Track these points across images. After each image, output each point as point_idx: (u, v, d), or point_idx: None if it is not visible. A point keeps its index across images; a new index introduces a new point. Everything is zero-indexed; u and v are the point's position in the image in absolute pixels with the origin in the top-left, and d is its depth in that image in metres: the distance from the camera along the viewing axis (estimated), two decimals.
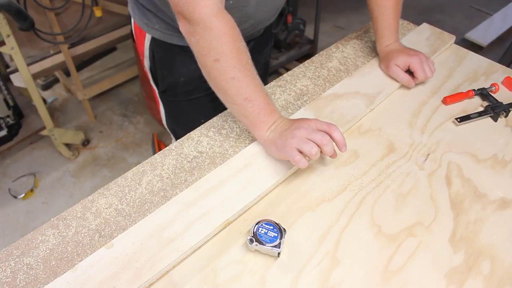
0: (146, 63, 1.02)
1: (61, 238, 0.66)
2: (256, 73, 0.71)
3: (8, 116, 1.80)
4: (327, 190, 0.73)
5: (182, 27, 0.70)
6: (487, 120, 0.88)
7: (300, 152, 0.67)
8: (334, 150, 0.69)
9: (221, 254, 0.64)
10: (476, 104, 0.92)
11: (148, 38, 0.96)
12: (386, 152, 0.80)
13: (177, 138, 1.15)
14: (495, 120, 0.88)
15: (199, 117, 1.01)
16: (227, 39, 0.67)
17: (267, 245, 0.62)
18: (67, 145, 2.07)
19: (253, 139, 0.81)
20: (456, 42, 1.09)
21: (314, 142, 0.67)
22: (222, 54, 0.67)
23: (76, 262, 0.63)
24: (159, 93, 1.06)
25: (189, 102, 1.03)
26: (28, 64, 1.86)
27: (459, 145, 0.82)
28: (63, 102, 2.39)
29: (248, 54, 0.71)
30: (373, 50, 1.06)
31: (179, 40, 0.92)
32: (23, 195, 1.89)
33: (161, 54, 0.97)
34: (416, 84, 0.94)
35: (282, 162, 0.75)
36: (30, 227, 1.77)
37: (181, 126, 1.11)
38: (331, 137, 0.69)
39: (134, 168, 0.77)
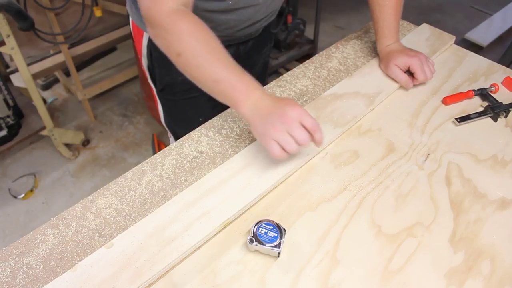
0: (144, 62, 1.02)
1: (61, 238, 0.66)
2: (225, 55, 0.70)
3: (8, 116, 1.80)
4: (327, 190, 0.73)
5: (149, 32, 0.73)
6: (487, 120, 0.88)
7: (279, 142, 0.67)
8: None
9: (221, 254, 0.64)
10: (476, 104, 0.92)
11: (145, 37, 0.96)
12: (386, 152, 0.80)
13: (175, 136, 1.15)
14: (495, 120, 0.88)
15: (197, 116, 1.01)
16: (184, 34, 0.69)
17: (267, 245, 0.62)
18: (67, 145, 2.07)
19: (253, 139, 0.81)
20: (456, 42, 1.09)
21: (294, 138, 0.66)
22: (181, 48, 0.69)
23: (76, 262, 0.63)
24: (157, 91, 1.06)
25: (187, 100, 1.04)
26: (28, 64, 1.86)
27: (459, 145, 0.82)
28: (63, 102, 2.39)
29: (214, 39, 0.71)
30: (373, 50, 1.06)
31: None
32: (23, 195, 1.89)
33: (158, 53, 0.97)
34: (416, 85, 0.94)
35: (282, 162, 0.75)
36: (30, 227, 1.77)
37: (179, 124, 1.12)
38: (312, 136, 0.68)
39: (134, 168, 0.77)
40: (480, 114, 0.88)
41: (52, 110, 2.31)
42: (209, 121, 0.86)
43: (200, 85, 0.72)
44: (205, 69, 0.69)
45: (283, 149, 0.66)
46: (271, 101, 0.69)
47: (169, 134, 1.19)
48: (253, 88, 0.70)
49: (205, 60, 0.69)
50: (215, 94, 0.72)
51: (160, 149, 1.17)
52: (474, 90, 0.92)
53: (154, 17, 0.70)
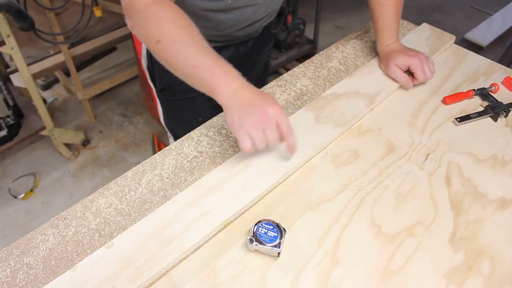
0: (144, 62, 1.03)
1: (61, 237, 0.66)
2: (204, 43, 0.70)
3: (8, 116, 1.80)
4: (327, 190, 0.73)
5: (128, 23, 0.73)
6: (487, 120, 0.88)
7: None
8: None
9: (221, 254, 0.64)
10: (476, 104, 0.92)
11: None
12: (386, 152, 0.80)
13: (175, 136, 1.15)
14: (495, 120, 0.88)
15: (197, 116, 1.01)
16: (163, 22, 0.69)
17: (267, 245, 0.62)
18: (67, 145, 2.07)
19: None
20: (456, 42, 1.09)
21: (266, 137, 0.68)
22: (161, 35, 0.69)
23: (76, 262, 0.63)
24: (157, 92, 1.07)
25: (186, 101, 1.04)
26: (28, 64, 1.86)
27: (459, 145, 0.82)
28: (63, 102, 2.39)
29: (193, 27, 0.71)
30: (373, 50, 1.06)
31: None
32: (23, 195, 1.89)
33: None
34: (416, 85, 0.94)
35: (282, 161, 0.75)
36: (30, 227, 1.77)
37: (178, 124, 1.12)
38: (285, 139, 0.70)
39: (134, 168, 0.77)
40: (480, 114, 0.88)
41: (52, 110, 2.32)
42: (209, 121, 0.86)
43: (178, 73, 0.72)
44: (184, 55, 0.69)
45: (253, 143, 0.67)
46: (252, 93, 0.68)
47: (169, 134, 1.19)
48: (233, 76, 0.69)
49: (185, 47, 0.69)
50: (193, 81, 0.71)
51: (160, 149, 1.18)
52: (474, 89, 0.92)
53: (135, 6, 0.70)
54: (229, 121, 0.69)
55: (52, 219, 0.68)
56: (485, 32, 2.80)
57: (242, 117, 0.66)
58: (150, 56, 0.99)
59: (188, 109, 1.06)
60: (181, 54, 0.69)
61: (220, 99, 0.69)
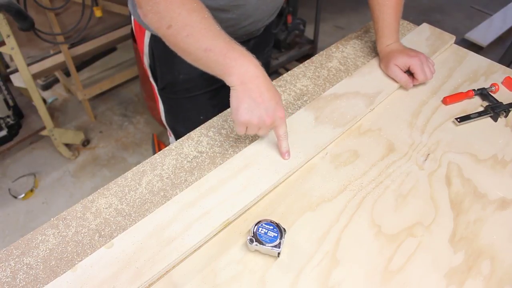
0: (146, 60, 1.03)
1: (61, 238, 0.66)
2: (216, 27, 0.70)
3: (8, 116, 1.80)
4: (327, 190, 0.73)
5: (140, 13, 0.73)
6: (487, 120, 0.88)
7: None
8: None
9: (221, 254, 0.64)
10: (476, 104, 0.92)
11: (147, 35, 0.96)
12: (386, 152, 0.80)
13: (176, 135, 1.15)
14: (495, 120, 0.88)
15: (198, 115, 1.01)
16: (175, 6, 0.69)
17: (267, 245, 0.62)
18: (67, 145, 2.07)
19: (253, 139, 0.81)
20: (456, 42, 1.09)
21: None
22: (172, 20, 0.69)
23: (76, 262, 0.63)
24: (159, 90, 1.07)
25: (188, 99, 1.04)
26: (28, 64, 1.86)
27: (459, 145, 0.82)
28: (63, 102, 2.39)
29: (204, 11, 0.71)
30: (373, 50, 1.06)
31: None
32: (23, 195, 1.89)
33: (160, 52, 0.97)
34: (416, 85, 0.94)
35: (282, 162, 0.75)
36: (30, 227, 1.77)
37: (180, 123, 1.12)
38: (278, 143, 0.75)
39: (134, 168, 0.77)
40: (480, 114, 0.88)
41: (52, 110, 2.31)
42: (209, 121, 0.86)
43: (190, 57, 0.72)
44: (196, 39, 0.69)
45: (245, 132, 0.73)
46: (264, 88, 0.70)
47: (169, 132, 1.19)
48: (247, 58, 0.70)
49: (196, 30, 0.69)
50: (205, 65, 0.71)
51: (160, 149, 1.18)
52: (474, 90, 0.92)
53: None
54: (234, 106, 0.71)
55: (52, 219, 0.68)
56: (485, 32, 2.80)
57: (248, 109, 0.69)
58: (152, 55, 0.99)
59: (189, 107, 1.06)
60: (192, 38, 0.69)
61: (231, 81, 0.70)
